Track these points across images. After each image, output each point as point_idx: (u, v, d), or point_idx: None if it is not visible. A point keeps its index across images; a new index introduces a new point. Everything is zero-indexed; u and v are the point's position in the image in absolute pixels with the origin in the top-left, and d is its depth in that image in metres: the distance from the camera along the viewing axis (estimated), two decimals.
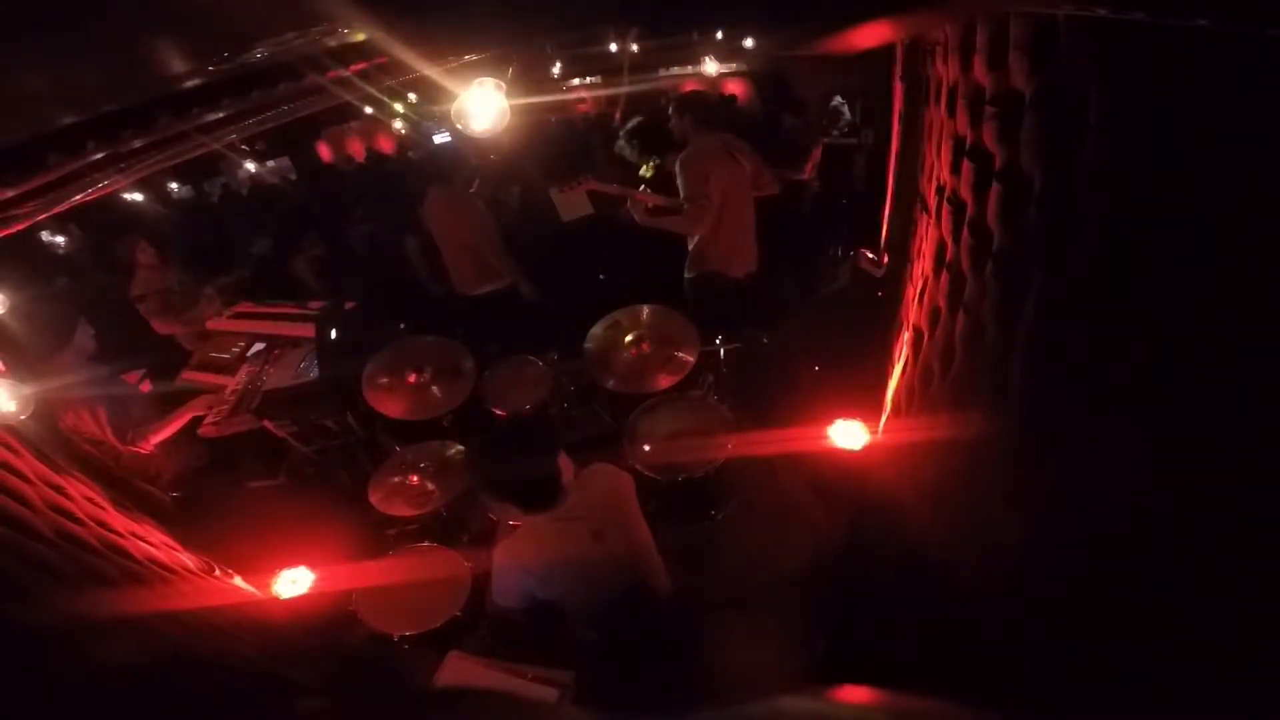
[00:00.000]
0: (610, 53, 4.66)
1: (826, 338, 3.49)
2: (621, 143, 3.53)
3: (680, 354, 2.66)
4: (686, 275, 3.53)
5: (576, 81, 6.40)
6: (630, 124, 3.76)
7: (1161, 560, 0.85)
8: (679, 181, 3.19)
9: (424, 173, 3.89)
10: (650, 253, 4.28)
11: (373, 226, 5.22)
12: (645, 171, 3.67)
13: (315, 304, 3.71)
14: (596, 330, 2.83)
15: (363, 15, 1.26)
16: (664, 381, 2.62)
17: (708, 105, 3.45)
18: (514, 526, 1.75)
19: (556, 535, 1.64)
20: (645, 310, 2.83)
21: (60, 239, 5.50)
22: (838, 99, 5.59)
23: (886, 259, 3.49)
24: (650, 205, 3.37)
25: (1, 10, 0.59)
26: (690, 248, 3.45)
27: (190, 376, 3.37)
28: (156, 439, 2.69)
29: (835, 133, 5.31)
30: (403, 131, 7.18)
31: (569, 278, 4.77)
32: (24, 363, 2.36)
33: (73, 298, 4.16)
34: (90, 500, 1.86)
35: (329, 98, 2.44)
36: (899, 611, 1.96)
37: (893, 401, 2.37)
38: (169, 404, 2.95)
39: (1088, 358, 1.01)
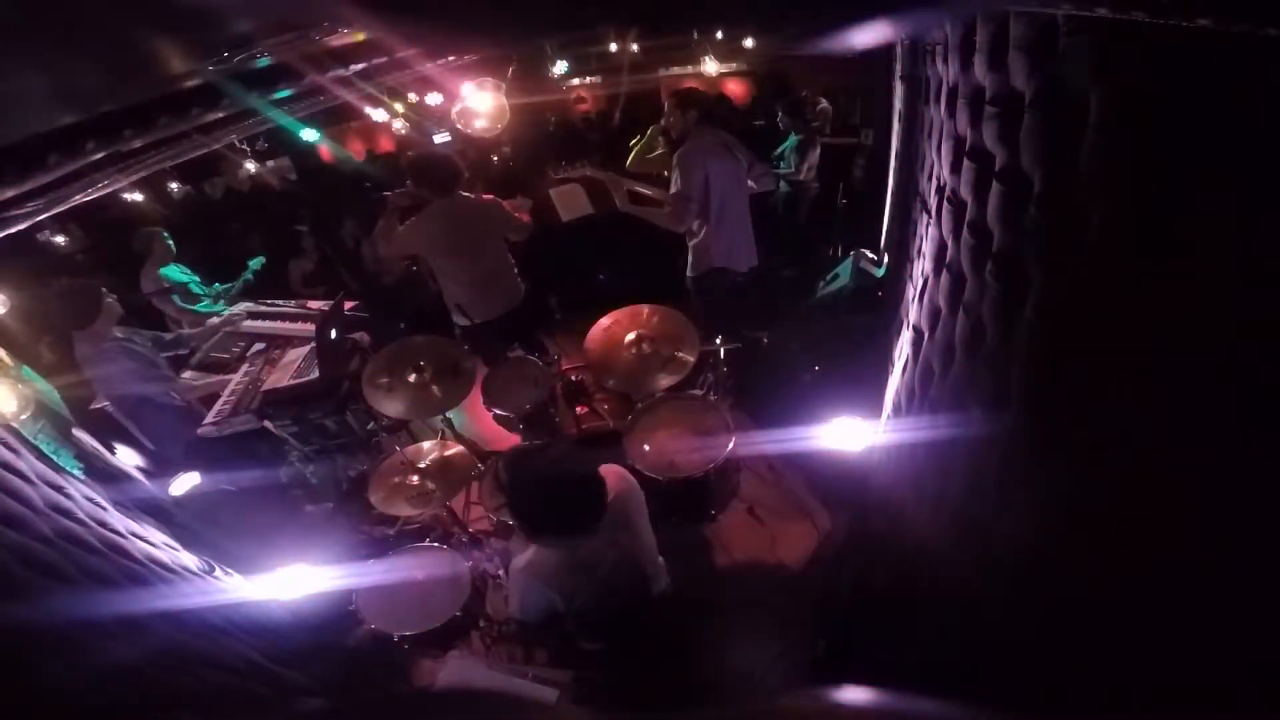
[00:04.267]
0: (610, 52, 4.66)
1: (826, 338, 3.49)
2: (669, 109, 3.43)
3: (680, 354, 2.66)
4: (689, 275, 3.52)
5: (576, 81, 6.41)
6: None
7: (1162, 559, 0.85)
8: (675, 175, 3.19)
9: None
10: (650, 253, 4.27)
11: (359, 225, 5.21)
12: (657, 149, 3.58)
13: (315, 304, 3.71)
14: (597, 330, 2.83)
15: (363, 15, 1.26)
16: (664, 381, 2.62)
17: (708, 102, 3.45)
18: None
19: (573, 548, 1.63)
20: (645, 310, 2.83)
21: (60, 239, 5.51)
22: (824, 102, 5.62)
23: (886, 259, 3.49)
24: (636, 193, 3.39)
25: (1, 10, 0.59)
26: (691, 245, 3.46)
27: (190, 375, 3.37)
28: None
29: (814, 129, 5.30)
30: (403, 132, 7.18)
31: (569, 278, 4.77)
32: (60, 335, 2.70)
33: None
34: (90, 500, 1.86)
35: (329, 98, 2.44)
36: (899, 612, 1.96)
37: (893, 401, 2.37)
38: None
39: (1088, 358, 1.01)
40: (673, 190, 3.18)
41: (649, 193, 3.42)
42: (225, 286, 4.13)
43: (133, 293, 3.93)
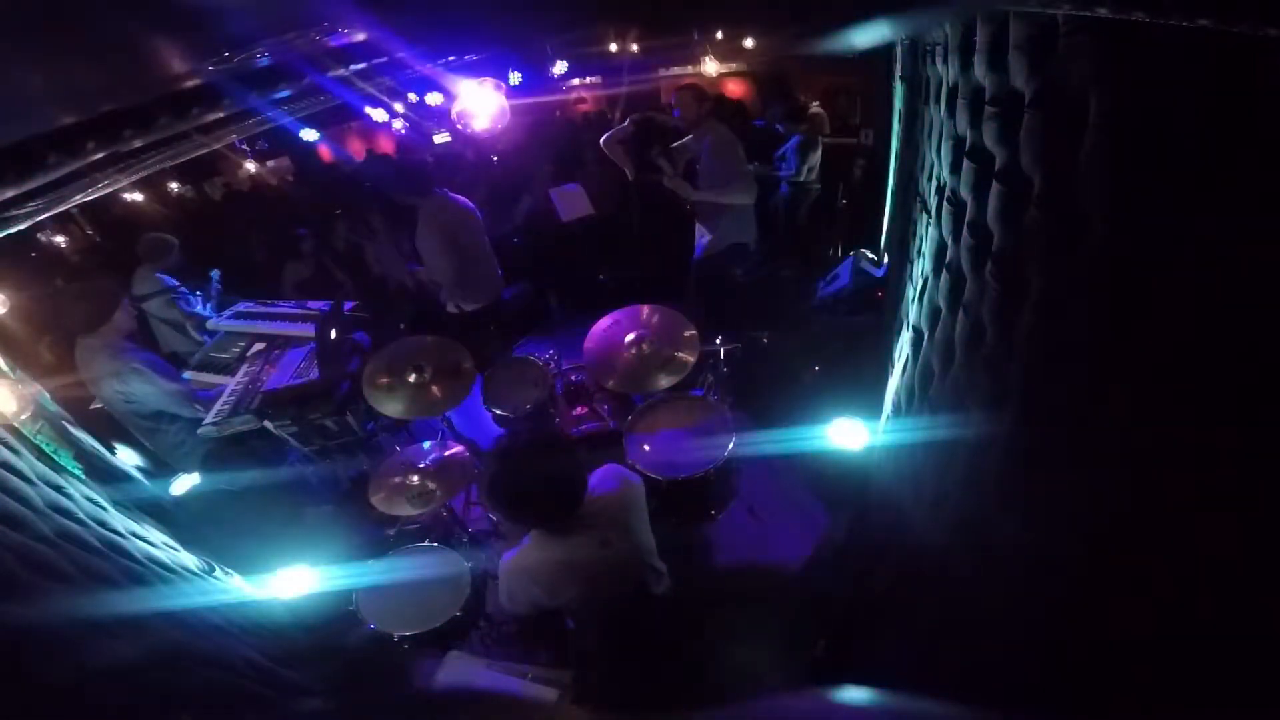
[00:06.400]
0: (610, 52, 4.67)
1: (826, 338, 3.50)
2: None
3: (680, 354, 2.66)
4: (709, 253, 3.68)
5: (576, 81, 6.41)
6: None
7: (1162, 559, 0.85)
8: (718, 161, 3.42)
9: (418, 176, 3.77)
10: (651, 253, 4.28)
11: (353, 226, 5.21)
12: None
13: (315, 304, 3.71)
14: (597, 330, 2.84)
15: (363, 15, 1.26)
16: (664, 381, 2.62)
17: (720, 101, 3.67)
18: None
19: (564, 545, 1.62)
20: (645, 310, 2.83)
21: (60, 239, 5.51)
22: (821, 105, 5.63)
23: (886, 259, 3.50)
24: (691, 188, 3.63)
25: (1, 10, 0.59)
26: (713, 226, 3.65)
27: (191, 376, 3.37)
28: None
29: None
30: (403, 131, 7.19)
31: (569, 278, 4.78)
32: (63, 336, 2.69)
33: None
34: (90, 500, 1.86)
35: (329, 98, 2.44)
36: (898, 612, 1.96)
37: (893, 401, 2.37)
38: None
39: (1088, 358, 1.01)
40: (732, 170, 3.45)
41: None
42: (199, 294, 4.12)
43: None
